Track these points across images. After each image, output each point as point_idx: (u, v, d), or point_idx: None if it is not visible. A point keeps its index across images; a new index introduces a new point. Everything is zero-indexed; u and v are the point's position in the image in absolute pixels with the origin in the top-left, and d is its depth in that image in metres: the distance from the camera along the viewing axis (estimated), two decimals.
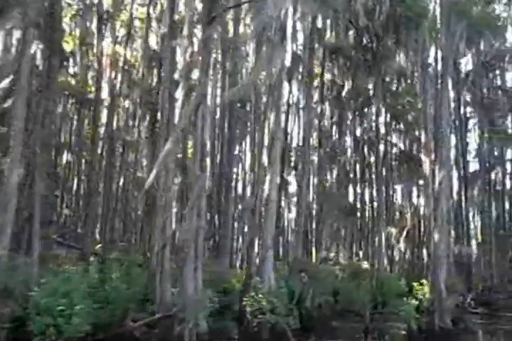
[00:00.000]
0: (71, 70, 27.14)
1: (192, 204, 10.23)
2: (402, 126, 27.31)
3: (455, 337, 14.18)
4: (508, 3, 26.80)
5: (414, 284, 17.54)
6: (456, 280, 17.17)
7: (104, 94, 24.53)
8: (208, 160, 27.34)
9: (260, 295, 11.68)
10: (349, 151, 28.34)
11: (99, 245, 20.99)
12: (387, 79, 23.98)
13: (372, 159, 25.90)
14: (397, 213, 30.15)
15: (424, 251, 25.15)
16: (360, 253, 28.04)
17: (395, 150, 27.86)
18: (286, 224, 33.68)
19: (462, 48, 17.40)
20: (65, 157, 30.29)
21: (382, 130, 24.85)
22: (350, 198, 27.41)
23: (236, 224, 30.19)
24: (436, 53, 21.03)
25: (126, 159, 28.93)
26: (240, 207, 28.14)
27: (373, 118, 24.06)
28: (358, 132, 27.06)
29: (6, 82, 12.11)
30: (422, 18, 17.24)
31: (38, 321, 8.58)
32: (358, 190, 27.48)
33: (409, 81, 25.40)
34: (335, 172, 28.59)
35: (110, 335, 10.47)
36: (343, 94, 24.95)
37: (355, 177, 27.61)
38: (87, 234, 17.89)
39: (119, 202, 27.96)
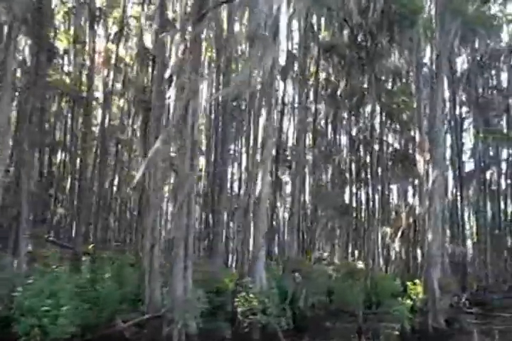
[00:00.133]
0: (65, 69, 26.97)
1: (181, 202, 10.09)
2: (397, 125, 27.24)
3: (449, 337, 14.10)
4: (503, 3, 26.82)
5: (409, 284, 17.47)
6: (451, 280, 17.05)
7: (98, 92, 24.39)
8: (203, 160, 27.42)
9: (251, 295, 11.54)
10: (344, 150, 28.27)
11: (92, 245, 20.81)
12: (383, 78, 23.91)
13: (368, 158, 25.83)
14: (393, 213, 30.11)
15: (419, 251, 25.10)
16: (356, 252, 27.97)
17: (390, 149, 27.79)
18: (282, 223, 33.60)
19: (456, 46, 17.32)
20: (60, 156, 30.08)
21: (378, 129, 24.77)
22: (346, 198, 27.33)
23: (232, 224, 30.10)
24: (431, 53, 20.97)
25: (121, 158, 28.77)
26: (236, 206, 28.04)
27: (368, 117, 23.98)
28: (353, 131, 26.99)
29: None
30: (417, 15, 17.12)
31: (23, 322, 8.44)
32: (354, 190, 27.42)
33: (404, 80, 25.36)
34: (330, 172, 28.51)
35: (99, 336, 10.33)
36: (338, 93, 24.84)
37: (351, 177, 27.54)
38: (78, 233, 17.72)
39: (113, 201, 27.81)
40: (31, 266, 11.77)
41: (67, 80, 26.61)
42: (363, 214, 27.24)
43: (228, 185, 27.63)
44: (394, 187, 30.94)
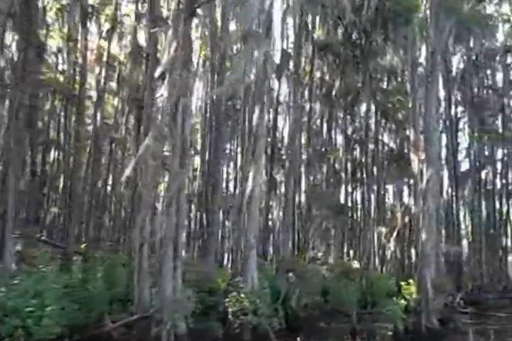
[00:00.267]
0: (59, 67, 26.73)
1: (170, 200, 9.93)
2: (392, 124, 27.17)
3: (442, 337, 13.99)
4: (499, 3, 26.80)
5: (403, 284, 17.37)
6: (445, 280, 16.97)
7: (91, 90, 24.16)
8: (198, 159, 27.25)
9: (242, 295, 11.40)
10: (340, 150, 28.16)
11: (85, 244, 20.60)
12: (378, 76, 23.82)
13: (363, 158, 25.73)
14: (388, 212, 30.03)
15: (413, 251, 25.04)
16: (351, 252, 27.88)
17: (385, 149, 27.71)
18: (276, 223, 33.46)
19: (451, 45, 17.22)
20: (53, 154, 29.83)
21: (373, 128, 24.68)
22: (341, 197, 27.23)
23: (227, 223, 29.95)
24: (427, 52, 20.86)
25: (115, 156, 28.55)
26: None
27: (364, 116, 23.86)
28: (349, 130, 26.89)
29: None
30: (412, 12, 17.01)
31: (7, 323, 8.27)
32: (349, 189, 27.31)
33: (399, 79, 25.26)
34: (325, 171, 28.40)
35: (87, 336, 10.20)
36: (333, 92, 24.73)
37: (346, 176, 27.44)
38: (70, 232, 17.50)
39: (108, 200, 27.58)
40: (20, 266, 11.59)
41: (61, 78, 26.39)
42: (358, 214, 27.18)
43: (224, 185, 27.52)
44: (389, 186, 30.87)
